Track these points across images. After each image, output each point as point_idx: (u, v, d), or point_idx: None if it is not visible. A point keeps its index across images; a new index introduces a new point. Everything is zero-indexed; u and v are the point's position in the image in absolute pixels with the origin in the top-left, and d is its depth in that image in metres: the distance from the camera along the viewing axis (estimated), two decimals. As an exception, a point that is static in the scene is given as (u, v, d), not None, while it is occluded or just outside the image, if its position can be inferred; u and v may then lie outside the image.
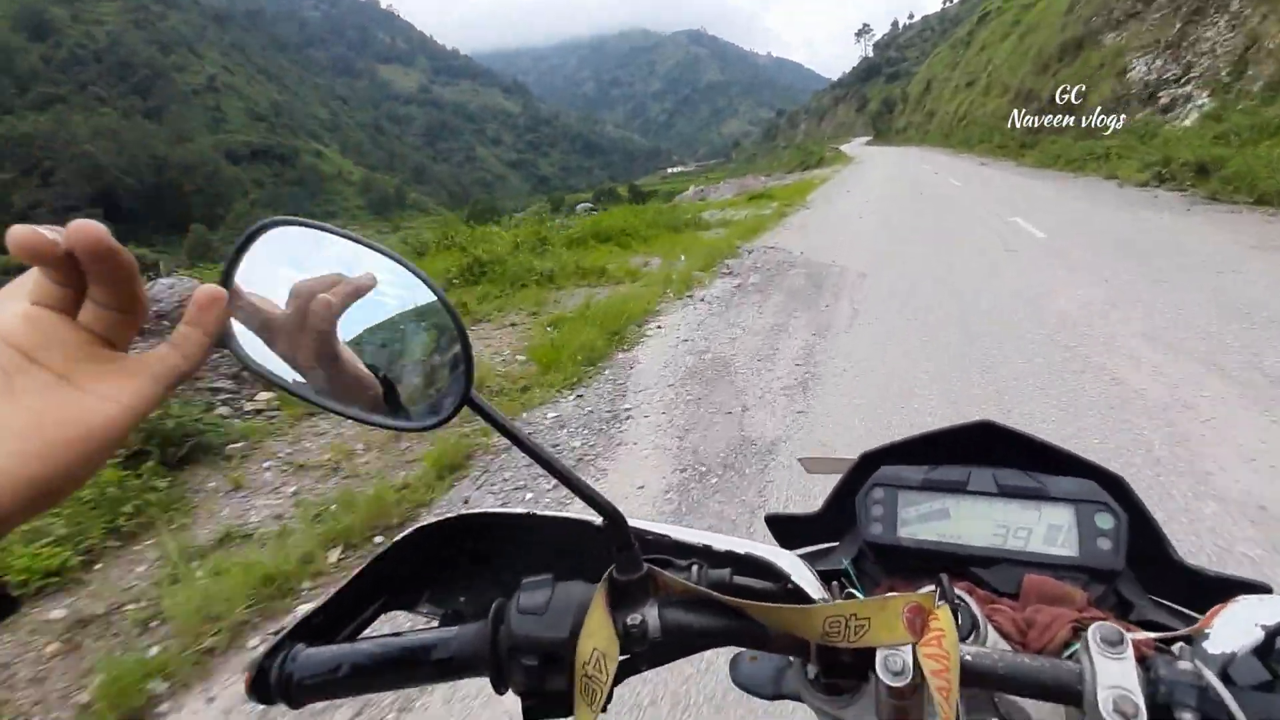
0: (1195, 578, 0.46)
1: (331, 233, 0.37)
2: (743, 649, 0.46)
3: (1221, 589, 0.44)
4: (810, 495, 2.53)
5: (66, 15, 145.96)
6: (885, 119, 78.04)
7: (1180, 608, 0.46)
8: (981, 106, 38.64)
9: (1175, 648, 0.35)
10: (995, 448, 0.53)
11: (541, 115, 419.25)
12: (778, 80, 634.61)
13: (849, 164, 35.28)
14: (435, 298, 0.37)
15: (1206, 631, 0.35)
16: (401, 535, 0.48)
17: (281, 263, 0.36)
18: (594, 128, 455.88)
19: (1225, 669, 0.33)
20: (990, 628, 0.42)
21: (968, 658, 0.35)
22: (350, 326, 0.37)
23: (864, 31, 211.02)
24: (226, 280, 0.35)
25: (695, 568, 0.43)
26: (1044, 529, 0.48)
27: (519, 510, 0.49)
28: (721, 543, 0.44)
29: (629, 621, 0.39)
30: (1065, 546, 0.47)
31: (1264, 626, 0.34)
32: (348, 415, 0.37)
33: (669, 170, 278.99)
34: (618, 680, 0.40)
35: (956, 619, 0.38)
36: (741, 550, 0.44)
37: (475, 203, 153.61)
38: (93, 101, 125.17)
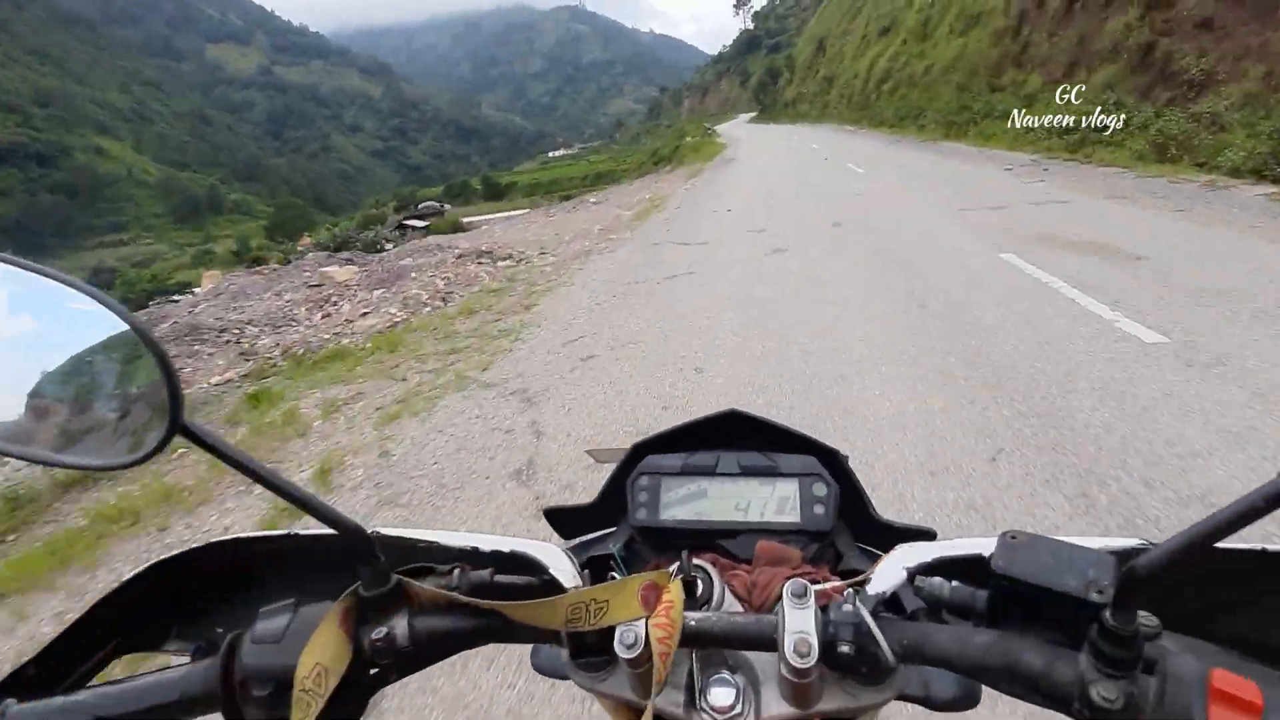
0: (885, 528, 0.55)
1: (10, 264, 0.33)
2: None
3: (899, 535, 0.52)
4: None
5: None
6: (770, 92, 65.05)
7: (878, 552, 0.52)
8: (920, 58, 25.13)
9: (845, 592, 0.39)
10: (742, 432, 0.58)
11: (408, 98, 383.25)
12: (663, 58, 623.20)
13: (714, 160, 21.06)
14: (125, 323, 0.34)
15: (870, 576, 0.42)
16: (134, 571, 0.46)
17: None
18: (471, 111, 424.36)
19: (881, 605, 0.39)
20: (728, 592, 0.46)
21: (691, 623, 0.39)
22: (26, 363, 0.34)
23: (742, 2, 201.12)
24: None
25: (457, 572, 0.44)
26: (775, 501, 0.54)
27: (279, 532, 0.49)
28: (488, 543, 0.47)
29: (374, 636, 0.40)
30: (790, 514, 0.54)
31: (907, 568, 0.41)
32: (32, 459, 0.35)
33: (550, 154, 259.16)
34: (372, 691, 0.41)
35: (697, 588, 0.43)
36: (507, 549, 0.46)
37: (284, 207, 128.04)
38: None
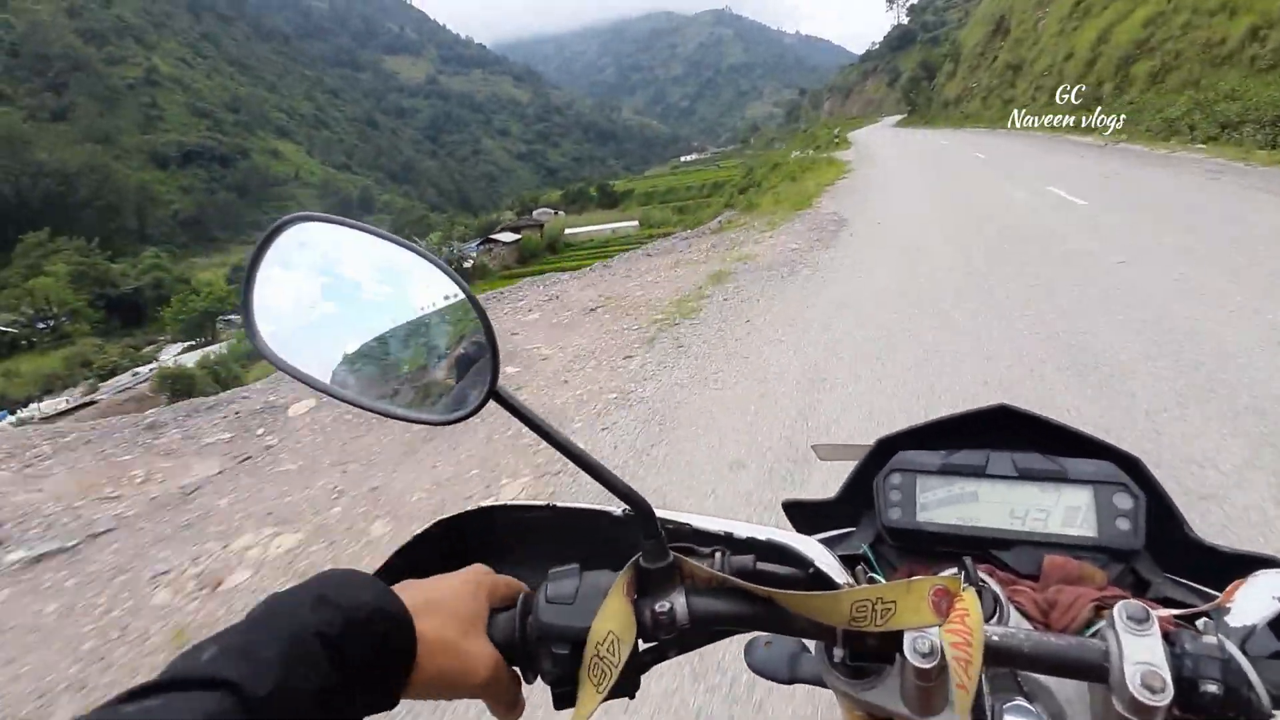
0: (1211, 554, 0.47)
1: (353, 228, 0.36)
2: (758, 633, 0.46)
3: (1237, 564, 0.44)
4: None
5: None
6: (923, 90, 54.90)
7: (1196, 585, 0.46)
8: (1208, 19, 15.45)
9: (1199, 623, 0.35)
10: (1012, 431, 0.53)
11: (553, 103, 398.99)
12: (806, 59, 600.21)
13: (810, 214, 11.76)
14: (461, 293, 0.37)
15: (1228, 606, 0.36)
16: (421, 529, 0.48)
17: (304, 258, 0.37)
18: (609, 115, 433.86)
19: (1245, 641, 0.34)
20: (1012, 608, 0.42)
21: (993, 638, 0.35)
22: (378, 320, 0.37)
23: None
24: (249, 278, 0.35)
25: (719, 555, 0.43)
26: (1062, 510, 0.48)
27: (539, 503, 0.49)
28: (743, 530, 0.45)
29: (657, 609, 0.39)
30: (1084, 527, 0.47)
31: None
32: (374, 410, 0.37)
33: (682, 159, 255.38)
34: (646, 667, 0.41)
35: (980, 600, 0.39)
36: (763, 537, 0.44)
37: (404, 210, 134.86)
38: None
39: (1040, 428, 0.52)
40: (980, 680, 0.36)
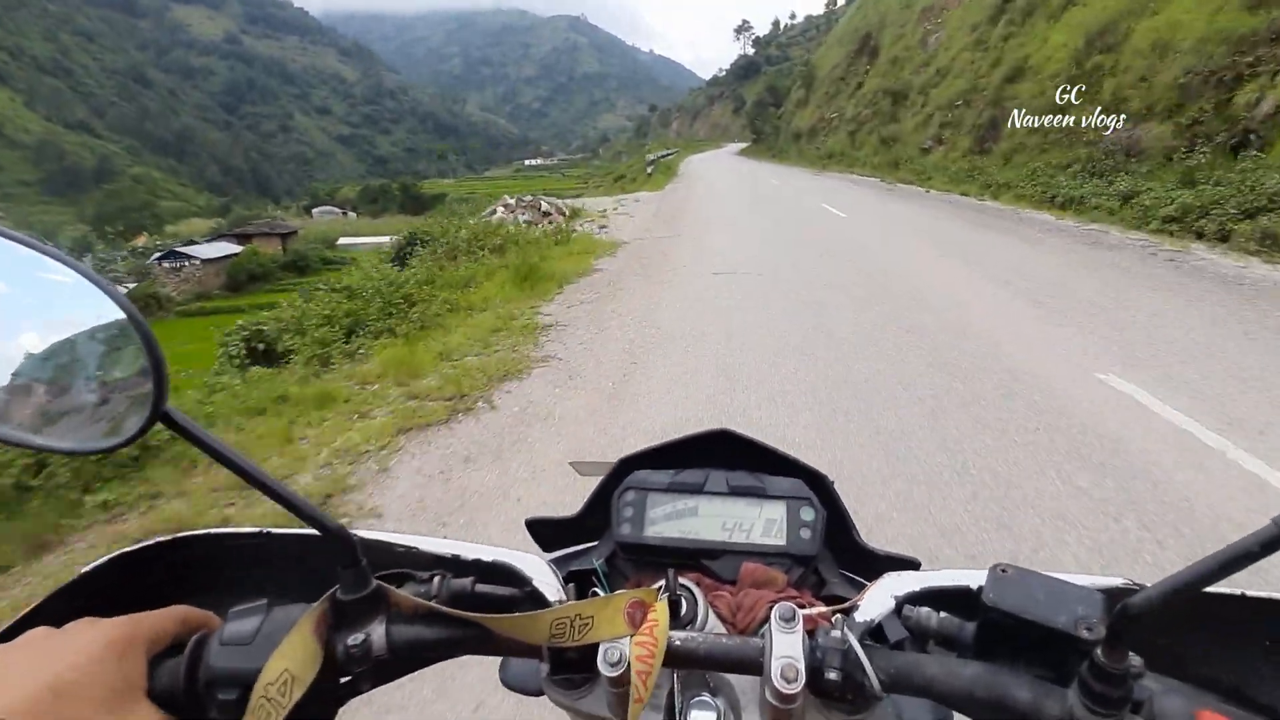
0: (869, 555, 0.55)
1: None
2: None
3: (884, 563, 0.52)
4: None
5: None
6: (770, 118, 47.64)
7: (862, 580, 0.53)
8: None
9: (834, 618, 0.39)
10: (732, 451, 0.58)
11: (385, 86, 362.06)
12: (659, 78, 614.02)
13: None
14: (118, 304, 0.33)
15: (858, 604, 0.42)
16: (94, 564, 0.43)
17: None
18: (453, 107, 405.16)
19: (867, 633, 0.39)
20: (711, 613, 0.46)
21: (676, 642, 0.38)
22: (16, 342, 0.33)
23: (744, 28, 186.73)
24: None
25: (437, 579, 0.43)
26: (762, 523, 0.54)
27: (251, 530, 0.47)
28: (470, 551, 0.45)
29: (349, 642, 0.38)
30: (777, 537, 0.53)
31: (895, 597, 0.41)
32: (9, 441, 0.33)
33: (526, 163, 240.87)
34: (342, 701, 0.40)
35: (681, 608, 0.43)
36: (489, 558, 0.45)
37: (120, 193, 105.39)
38: None
39: (752, 449, 0.58)
40: (674, 680, 0.41)
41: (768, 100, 47.72)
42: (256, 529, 0.47)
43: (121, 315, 0.33)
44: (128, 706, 0.33)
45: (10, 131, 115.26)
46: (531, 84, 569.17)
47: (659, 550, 0.54)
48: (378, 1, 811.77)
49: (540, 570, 0.45)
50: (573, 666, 0.41)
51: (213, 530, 0.47)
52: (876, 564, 0.53)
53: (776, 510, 0.54)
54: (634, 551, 0.55)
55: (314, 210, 75.31)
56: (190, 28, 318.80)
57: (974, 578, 0.40)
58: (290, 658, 0.35)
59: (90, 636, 0.34)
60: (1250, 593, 0.38)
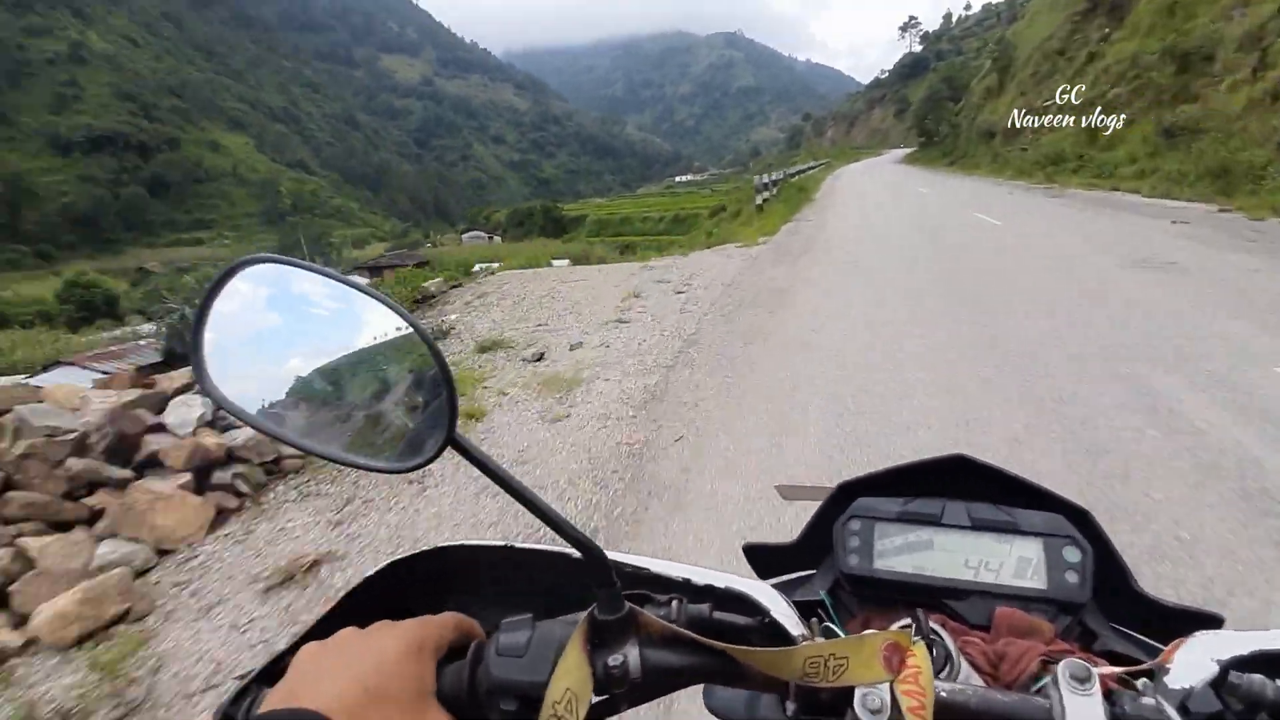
0: (1154, 607, 0.48)
1: (314, 271, 0.37)
2: None
3: (1178, 619, 0.46)
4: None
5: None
6: (945, 113, 39.34)
7: (1141, 636, 0.47)
8: None
9: (1139, 683, 0.35)
10: (968, 480, 0.53)
11: (552, 114, 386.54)
12: (815, 87, 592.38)
13: None
14: (420, 337, 0.37)
15: (1167, 666, 0.36)
16: (373, 570, 0.47)
17: (258, 301, 0.37)
18: (611, 129, 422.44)
19: (1183, 702, 0.34)
20: (964, 661, 0.42)
21: (943, 694, 0.36)
22: (329, 366, 0.37)
23: (910, 25, 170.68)
24: (200, 320, 0.36)
25: (675, 603, 0.42)
26: (1014, 562, 0.49)
27: (497, 543, 0.49)
28: (701, 576, 0.45)
29: (610, 662, 0.39)
30: (1034, 579, 0.48)
31: (1218, 661, 0.36)
32: (324, 456, 0.37)
33: (677, 179, 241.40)
34: None
35: (931, 653, 0.39)
36: (721, 584, 0.44)
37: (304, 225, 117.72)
38: None
39: (995, 478, 0.53)
40: None
41: (942, 93, 39.37)
42: (503, 543, 0.49)
43: (423, 348, 0.37)
44: (423, 709, 0.36)
45: (242, 171, 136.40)
46: (687, 102, 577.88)
47: (891, 585, 0.50)
48: (552, 37, 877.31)
49: (776, 601, 0.43)
50: (820, 708, 0.39)
51: (466, 542, 0.49)
52: (1167, 619, 0.47)
53: (1031, 548, 0.49)
54: (861, 585, 0.52)
55: (465, 235, 78.59)
56: (394, 74, 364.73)
57: None
58: (570, 677, 0.37)
59: (391, 639, 0.37)
60: None
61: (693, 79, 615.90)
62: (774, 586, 0.46)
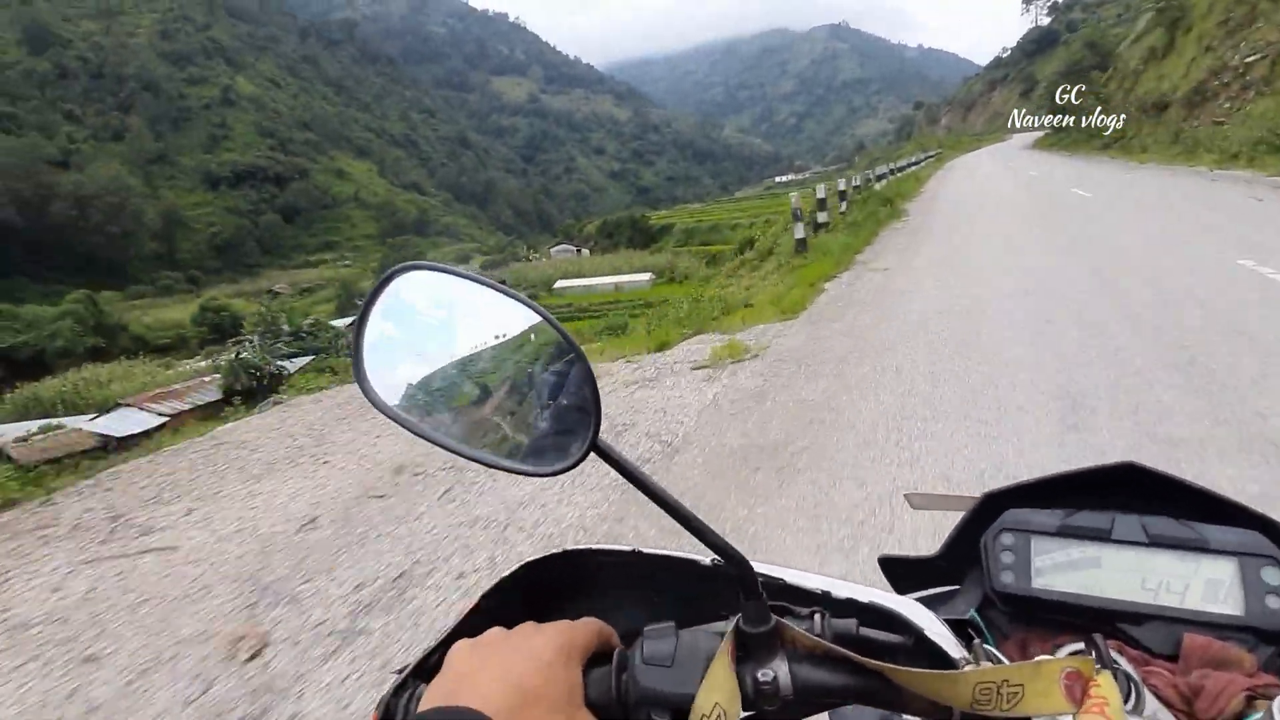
0: None
1: (463, 277, 0.37)
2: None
3: None
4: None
5: (87, 28, 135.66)
6: (1092, 83, 32.73)
7: None
8: None
9: None
10: (1139, 491, 0.49)
11: (650, 121, 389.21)
12: (928, 74, 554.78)
13: None
14: (565, 341, 0.38)
15: None
16: (509, 571, 0.47)
17: (412, 307, 0.39)
18: (710, 133, 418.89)
19: None
20: (1149, 693, 0.38)
21: None
22: (482, 370, 0.39)
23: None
24: (360, 325, 0.37)
25: (818, 617, 0.40)
26: (1202, 584, 0.43)
27: (625, 548, 0.47)
28: (842, 589, 0.42)
29: (760, 677, 0.37)
30: (1228, 604, 0.43)
31: None
32: (477, 459, 0.38)
33: (777, 179, 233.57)
34: None
35: (1117, 683, 0.36)
36: (864, 598, 0.42)
37: (399, 245, 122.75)
38: (57, 120, 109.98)
39: (1173, 488, 0.48)
40: None
41: (1086, 61, 32.75)
42: (630, 548, 0.47)
43: (570, 354, 0.38)
44: (574, 714, 0.35)
45: (364, 195, 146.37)
46: (788, 100, 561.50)
47: (1053, 606, 0.46)
48: (650, 47, 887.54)
49: (928, 620, 0.40)
50: None
51: (594, 546, 0.48)
52: None
53: (1223, 568, 0.43)
54: (1016, 605, 0.47)
55: (554, 250, 78.73)
56: (503, 95, 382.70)
57: None
58: (720, 691, 0.35)
59: (541, 642, 0.37)
60: None
61: (793, 76, 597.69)
62: (917, 600, 0.44)
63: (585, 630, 0.40)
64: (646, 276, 53.38)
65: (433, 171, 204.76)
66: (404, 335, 0.39)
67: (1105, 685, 0.33)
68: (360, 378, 0.38)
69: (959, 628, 0.45)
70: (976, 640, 0.41)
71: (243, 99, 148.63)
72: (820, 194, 11.53)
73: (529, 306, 0.37)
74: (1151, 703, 0.38)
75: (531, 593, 0.48)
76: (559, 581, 0.49)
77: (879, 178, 18.21)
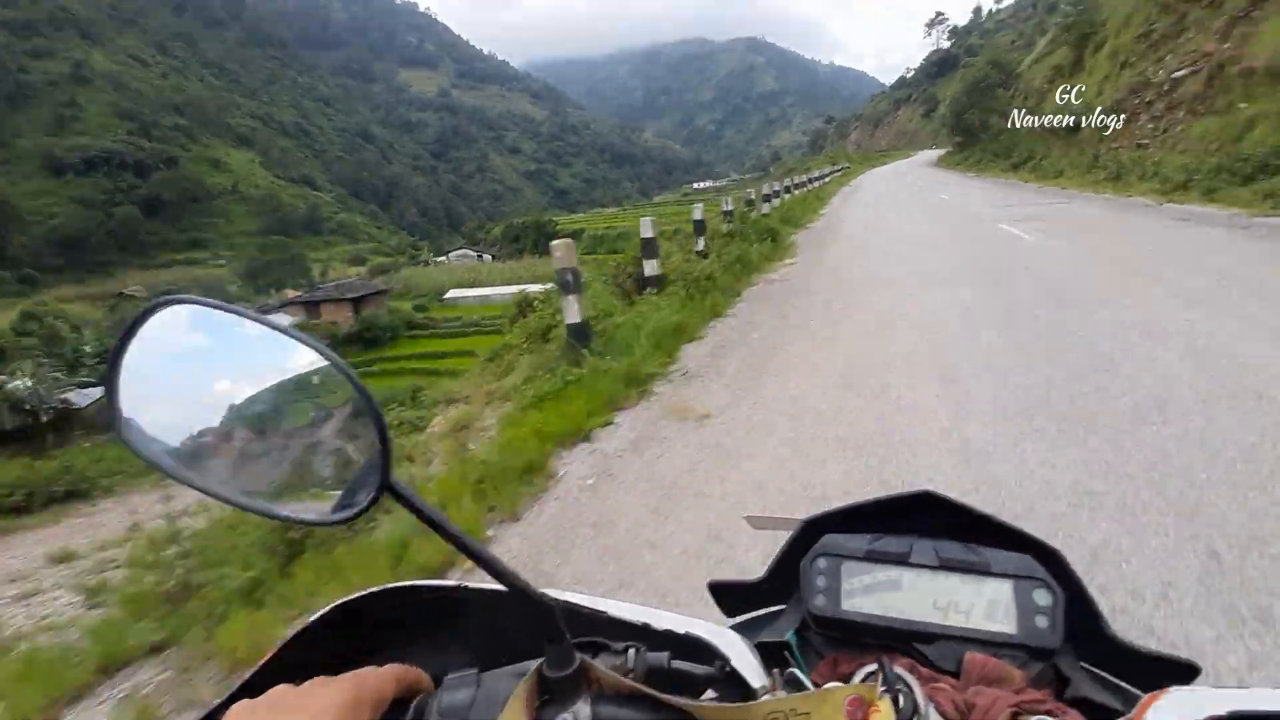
0: (1127, 653, 0.47)
1: (232, 313, 0.35)
2: None
3: (1153, 667, 0.45)
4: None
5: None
6: (996, 101, 31.49)
7: (1115, 681, 0.46)
8: None
9: None
10: (936, 517, 0.52)
11: (569, 122, 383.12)
12: (839, 90, 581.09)
13: None
14: (351, 383, 0.35)
15: None
16: (318, 613, 0.44)
17: (177, 343, 0.35)
18: (630, 136, 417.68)
19: None
20: (933, 710, 0.40)
21: None
22: (256, 412, 0.35)
23: (937, 20, 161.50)
24: (115, 361, 0.34)
25: (632, 652, 0.41)
26: (984, 604, 0.47)
27: (449, 583, 0.47)
28: (661, 620, 0.43)
29: None
30: (1004, 623, 0.46)
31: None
32: (253, 509, 0.35)
33: (695, 185, 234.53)
34: None
35: (898, 703, 0.38)
36: (681, 630, 0.43)
37: (273, 246, 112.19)
38: None
39: (963, 515, 0.52)
40: None
41: (991, 79, 31.57)
42: (455, 583, 0.47)
43: (354, 394, 0.35)
44: None
45: (244, 188, 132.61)
46: (708, 108, 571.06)
47: (859, 628, 0.49)
48: (572, 48, 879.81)
49: (738, 648, 0.42)
50: None
51: (415, 583, 0.47)
52: (1139, 666, 0.46)
53: (1001, 590, 0.47)
54: (829, 626, 0.50)
55: (453, 254, 72.52)
56: (411, 87, 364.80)
57: None
58: None
59: (327, 698, 0.35)
60: None
61: (713, 84, 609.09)
62: (739, 627, 0.46)
63: (381, 679, 0.38)
64: (548, 286, 48.83)
65: (328, 165, 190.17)
66: (168, 375, 0.36)
67: (884, 711, 0.35)
68: (116, 421, 0.34)
69: (779, 650, 0.48)
70: (775, 670, 0.42)
71: (98, 76, 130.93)
72: (696, 214, 8.84)
73: (312, 346, 0.35)
74: (934, 717, 0.40)
75: (347, 638, 0.46)
76: (377, 621, 0.47)
77: (769, 196, 14.55)
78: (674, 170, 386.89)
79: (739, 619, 0.54)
